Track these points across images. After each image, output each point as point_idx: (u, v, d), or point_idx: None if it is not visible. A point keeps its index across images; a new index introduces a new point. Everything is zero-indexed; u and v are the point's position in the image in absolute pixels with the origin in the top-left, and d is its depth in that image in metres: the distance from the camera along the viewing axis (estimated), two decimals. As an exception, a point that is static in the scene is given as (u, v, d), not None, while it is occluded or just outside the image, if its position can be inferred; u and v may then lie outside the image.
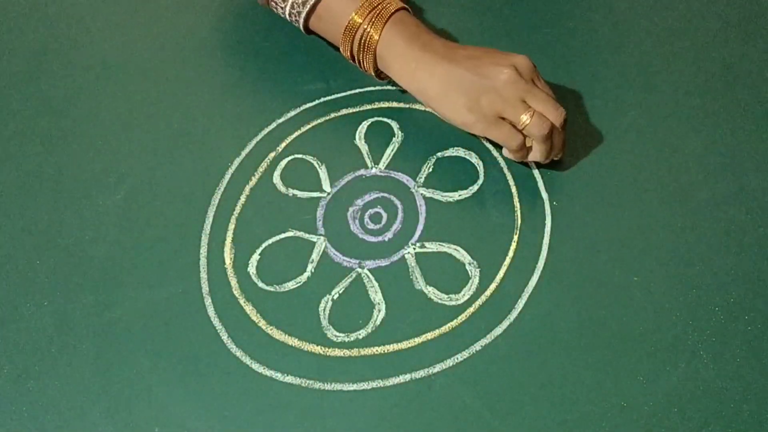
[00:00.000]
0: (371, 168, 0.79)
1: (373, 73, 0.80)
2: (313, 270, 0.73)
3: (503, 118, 0.72)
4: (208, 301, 0.72)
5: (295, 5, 0.80)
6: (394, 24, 0.76)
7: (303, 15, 0.80)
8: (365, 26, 0.76)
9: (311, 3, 0.78)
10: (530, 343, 0.67)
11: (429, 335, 0.68)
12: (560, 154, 0.75)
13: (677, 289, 0.68)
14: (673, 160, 0.76)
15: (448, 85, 0.73)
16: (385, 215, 0.75)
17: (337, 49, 0.82)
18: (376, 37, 0.76)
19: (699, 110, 0.80)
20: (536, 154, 0.74)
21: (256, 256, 0.74)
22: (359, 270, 0.72)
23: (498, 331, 0.68)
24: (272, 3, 0.82)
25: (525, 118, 0.70)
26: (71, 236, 0.76)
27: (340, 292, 0.71)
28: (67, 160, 0.82)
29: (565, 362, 0.66)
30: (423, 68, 0.75)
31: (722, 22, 0.87)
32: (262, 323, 0.70)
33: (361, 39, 0.77)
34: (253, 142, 0.81)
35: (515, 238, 0.73)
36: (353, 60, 0.80)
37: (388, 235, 0.74)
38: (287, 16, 0.82)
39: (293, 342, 0.69)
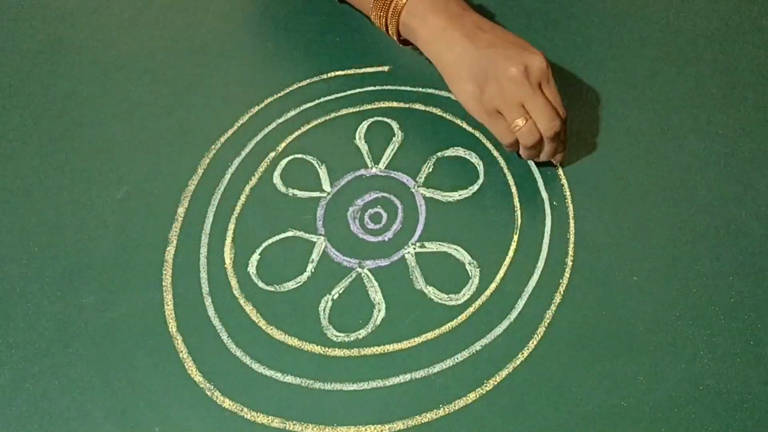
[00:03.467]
0: (371, 168, 0.79)
1: (395, 38, 0.80)
2: (313, 270, 0.73)
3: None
4: (208, 301, 0.72)
5: None
6: None
7: None
8: None
9: None
10: (530, 343, 0.67)
11: (429, 335, 0.68)
12: (556, 158, 0.75)
13: (677, 289, 0.69)
14: (673, 160, 0.76)
15: (461, 65, 0.73)
16: (385, 215, 0.75)
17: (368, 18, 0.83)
18: (403, 2, 0.75)
19: (700, 110, 0.80)
20: (524, 155, 0.74)
21: (256, 256, 0.74)
22: (359, 270, 0.72)
23: (498, 330, 0.68)
24: None
25: (518, 123, 0.70)
26: (71, 236, 0.76)
27: (340, 291, 0.71)
28: (66, 160, 0.82)
29: (565, 362, 0.66)
30: (444, 40, 0.74)
31: (723, 21, 0.87)
32: (262, 323, 0.70)
33: (389, 3, 0.77)
34: (253, 142, 0.81)
35: (515, 238, 0.73)
36: (383, 27, 0.80)
37: (388, 234, 0.74)
38: None
39: (293, 342, 0.69)
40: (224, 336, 0.70)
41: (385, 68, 0.86)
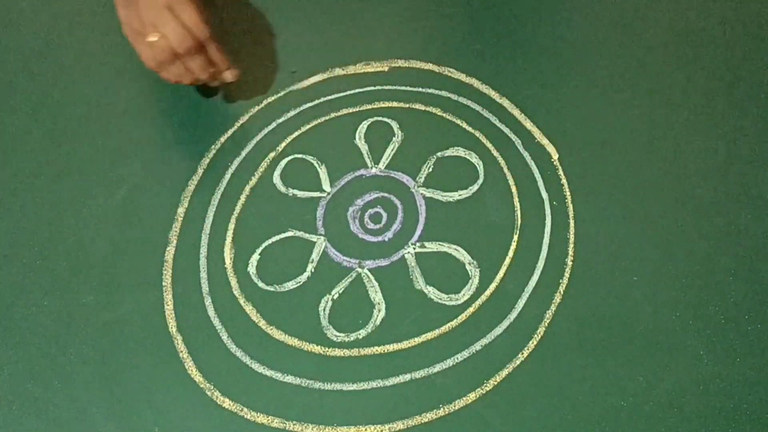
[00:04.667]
0: (371, 168, 0.78)
1: None
2: (313, 270, 0.72)
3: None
4: (208, 300, 0.72)
5: None
6: None
7: None
8: None
9: None
10: (530, 343, 0.67)
11: (429, 335, 0.68)
12: (226, 76, 0.81)
13: (677, 289, 0.68)
14: (673, 159, 0.76)
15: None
16: (385, 215, 0.75)
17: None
18: None
19: (700, 111, 0.80)
20: (170, 75, 0.79)
21: (256, 256, 0.74)
22: (359, 270, 0.72)
23: (498, 330, 0.68)
24: None
25: (151, 38, 0.75)
26: (71, 236, 0.76)
27: (340, 291, 0.71)
28: (67, 160, 0.82)
29: (565, 362, 0.65)
30: None
31: (723, 23, 0.87)
32: (262, 323, 0.70)
33: None
34: (253, 142, 0.81)
35: (515, 237, 0.73)
36: None
37: (388, 234, 0.74)
38: None
39: (293, 342, 0.69)
40: (224, 336, 0.70)
41: (385, 68, 0.85)
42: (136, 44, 0.78)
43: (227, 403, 0.66)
